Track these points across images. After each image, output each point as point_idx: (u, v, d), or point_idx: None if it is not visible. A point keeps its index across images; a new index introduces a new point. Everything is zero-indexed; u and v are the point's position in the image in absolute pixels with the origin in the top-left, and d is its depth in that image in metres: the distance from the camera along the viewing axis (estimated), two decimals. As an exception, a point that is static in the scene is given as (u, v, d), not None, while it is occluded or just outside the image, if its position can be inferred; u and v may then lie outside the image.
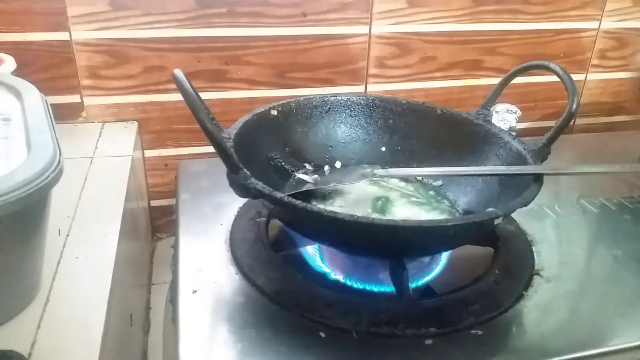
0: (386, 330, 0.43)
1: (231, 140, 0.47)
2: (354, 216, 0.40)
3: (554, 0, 0.79)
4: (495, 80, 0.58)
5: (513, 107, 0.71)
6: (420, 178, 0.60)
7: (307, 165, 0.59)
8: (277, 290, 0.46)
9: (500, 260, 0.51)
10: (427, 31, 0.75)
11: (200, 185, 0.62)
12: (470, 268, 0.51)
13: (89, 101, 0.68)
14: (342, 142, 0.61)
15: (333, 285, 0.49)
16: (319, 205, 0.55)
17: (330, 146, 0.61)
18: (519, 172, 0.49)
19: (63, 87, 0.66)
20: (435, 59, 0.78)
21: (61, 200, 0.43)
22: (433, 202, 0.57)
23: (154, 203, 0.75)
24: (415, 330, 0.43)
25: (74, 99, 0.67)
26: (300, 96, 0.59)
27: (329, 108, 0.60)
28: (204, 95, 0.41)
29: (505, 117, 0.70)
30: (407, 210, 0.55)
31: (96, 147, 0.63)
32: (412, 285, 0.48)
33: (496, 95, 0.58)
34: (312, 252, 0.52)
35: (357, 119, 0.61)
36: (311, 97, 0.59)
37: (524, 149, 0.52)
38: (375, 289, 0.49)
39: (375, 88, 0.77)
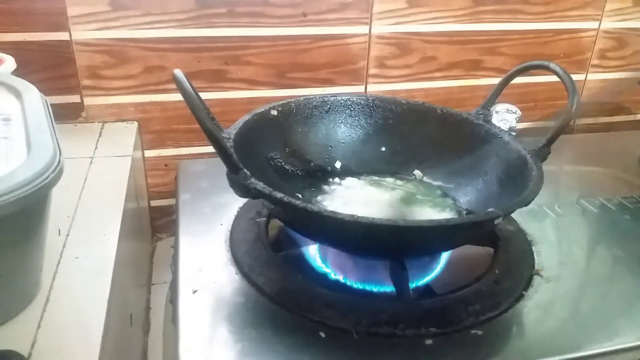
0: (386, 331, 0.43)
1: (231, 140, 0.47)
2: (354, 216, 0.40)
3: (554, 0, 0.79)
4: (495, 80, 0.58)
5: (513, 107, 0.71)
6: (420, 178, 0.60)
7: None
8: (277, 290, 0.46)
9: (500, 260, 0.51)
10: (427, 31, 0.75)
11: (200, 186, 0.62)
12: (470, 268, 0.51)
13: (89, 101, 0.68)
14: (342, 142, 0.61)
15: (333, 285, 0.49)
16: (325, 203, 0.55)
17: (330, 146, 0.61)
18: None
19: (63, 87, 0.66)
20: (435, 59, 0.78)
21: (61, 200, 0.43)
22: (436, 200, 0.57)
23: (154, 203, 0.75)
24: (415, 330, 0.43)
25: (74, 99, 0.67)
26: (300, 96, 0.59)
27: (329, 108, 0.60)
28: (204, 95, 0.41)
29: (505, 117, 0.70)
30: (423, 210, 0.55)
31: (96, 147, 0.63)
32: (412, 285, 0.48)
33: (496, 95, 0.58)
34: (312, 252, 0.52)
35: (357, 119, 0.61)
36: (311, 97, 0.59)
37: (524, 149, 0.52)
38: (375, 289, 0.49)
39: (375, 88, 0.77)
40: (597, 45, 0.85)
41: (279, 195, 0.41)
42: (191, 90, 0.39)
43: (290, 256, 0.52)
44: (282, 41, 0.70)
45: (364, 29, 0.73)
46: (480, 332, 0.44)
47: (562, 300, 0.48)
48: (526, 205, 0.44)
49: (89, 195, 0.53)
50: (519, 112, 0.71)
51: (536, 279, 0.50)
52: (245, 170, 0.42)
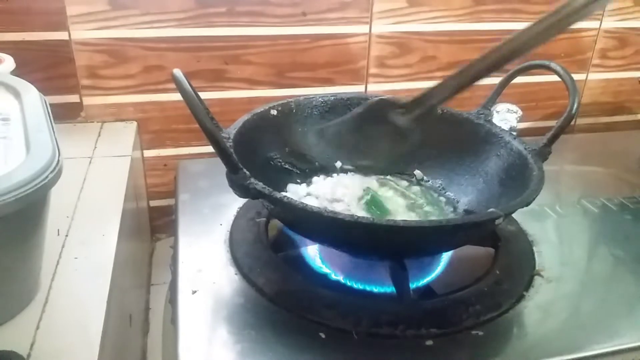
0: (386, 331, 0.43)
1: (231, 140, 0.47)
2: (354, 216, 0.40)
3: (554, 0, 0.78)
4: (496, 80, 0.58)
5: (514, 107, 0.71)
6: (420, 179, 0.60)
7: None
8: (277, 291, 0.46)
9: (501, 261, 0.51)
10: (427, 30, 0.75)
11: (199, 186, 0.62)
12: (470, 268, 0.51)
13: (88, 101, 0.68)
14: (342, 142, 0.61)
15: (333, 286, 0.48)
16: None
17: (330, 146, 0.60)
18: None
19: (62, 86, 0.66)
20: (436, 58, 0.78)
21: (60, 200, 0.43)
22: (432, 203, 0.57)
23: (153, 203, 0.75)
24: (416, 331, 0.43)
25: (73, 98, 0.67)
26: (300, 96, 0.59)
27: (329, 108, 0.60)
28: (203, 95, 0.41)
29: (506, 117, 0.70)
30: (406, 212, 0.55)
31: (95, 147, 0.63)
32: (413, 286, 0.48)
33: (497, 95, 0.58)
34: (312, 253, 0.52)
35: (357, 118, 0.61)
36: (311, 97, 0.59)
37: (525, 149, 0.51)
38: (375, 289, 0.48)
39: (376, 88, 0.77)
40: (598, 44, 0.84)
41: (279, 195, 0.41)
42: (190, 90, 0.39)
43: (290, 257, 0.52)
44: (282, 40, 0.70)
45: (364, 29, 0.73)
46: (481, 333, 0.43)
47: (563, 300, 0.48)
48: (527, 206, 0.44)
49: (88, 196, 0.53)
50: (519, 112, 0.71)
51: (537, 280, 0.50)
52: (245, 170, 0.42)
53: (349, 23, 0.72)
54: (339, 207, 0.53)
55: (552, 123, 0.51)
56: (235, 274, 0.49)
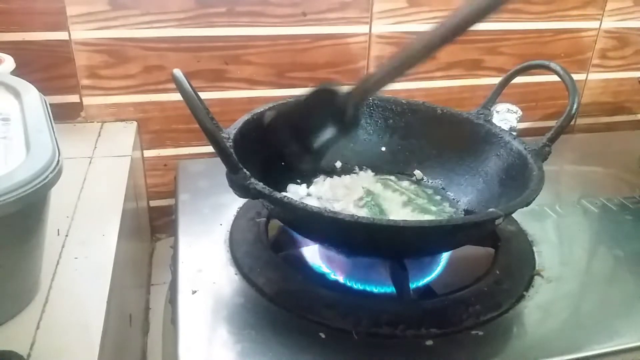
0: (386, 331, 0.43)
1: (231, 140, 0.47)
2: (354, 216, 0.40)
3: (554, 0, 0.79)
4: (496, 80, 0.58)
5: (514, 107, 0.71)
6: (420, 179, 0.60)
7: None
8: (277, 291, 0.46)
9: (501, 261, 0.51)
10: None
11: (199, 186, 0.62)
12: (470, 268, 0.51)
13: (88, 101, 0.68)
14: (342, 142, 0.61)
15: (333, 286, 0.48)
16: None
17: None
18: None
19: (62, 86, 0.66)
20: (436, 58, 0.77)
21: (60, 200, 0.43)
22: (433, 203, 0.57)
23: (153, 203, 0.75)
24: (416, 331, 0.43)
25: (73, 98, 0.67)
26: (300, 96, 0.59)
27: (329, 108, 0.60)
28: (203, 95, 0.41)
29: (506, 117, 0.70)
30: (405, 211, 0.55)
31: (95, 147, 0.63)
32: (413, 285, 0.48)
33: (497, 95, 0.58)
34: (312, 253, 0.52)
35: (357, 118, 0.61)
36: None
37: (525, 149, 0.51)
38: (375, 289, 0.48)
39: (376, 88, 0.77)
40: (598, 44, 0.84)
41: (279, 195, 0.41)
42: (191, 90, 0.39)
43: (290, 257, 0.52)
44: (281, 41, 0.70)
45: (364, 29, 0.73)
46: (480, 333, 0.43)
47: (563, 300, 0.48)
48: (527, 206, 0.44)
49: (88, 196, 0.53)
50: (519, 112, 0.71)
51: (537, 280, 0.50)
52: (245, 170, 0.42)
53: (349, 23, 0.72)
54: (339, 207, 0.53)
55: (552, 123, 0.51)
56: (235, 274, 0.49)
